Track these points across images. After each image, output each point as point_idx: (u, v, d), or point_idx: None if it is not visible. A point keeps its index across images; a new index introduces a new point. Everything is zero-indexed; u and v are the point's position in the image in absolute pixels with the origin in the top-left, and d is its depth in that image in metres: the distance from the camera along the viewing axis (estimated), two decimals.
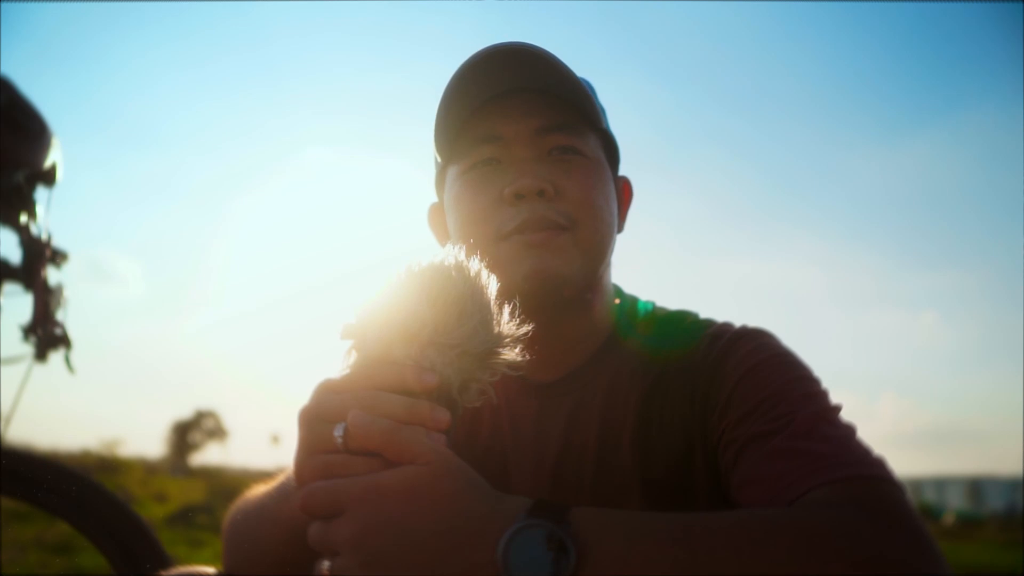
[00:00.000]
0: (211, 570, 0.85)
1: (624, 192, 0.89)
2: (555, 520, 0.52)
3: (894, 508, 0.59)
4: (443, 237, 0.88)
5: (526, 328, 0.61)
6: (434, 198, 0.90)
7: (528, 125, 0.78)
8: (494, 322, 0.60)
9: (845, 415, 0.71)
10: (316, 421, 0.58)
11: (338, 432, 0.56)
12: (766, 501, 0.66)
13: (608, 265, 0.84)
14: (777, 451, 0.67)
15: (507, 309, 0.62)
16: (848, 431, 0.69)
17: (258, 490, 0.85)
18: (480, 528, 0.52)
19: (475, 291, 0.60)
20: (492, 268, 0.77)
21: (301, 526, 0.67)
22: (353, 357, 0.61)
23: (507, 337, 0.61)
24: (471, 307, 0.59)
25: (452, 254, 0.61)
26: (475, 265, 0.62)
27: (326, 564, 0.56)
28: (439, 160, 0.85)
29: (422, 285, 0.58)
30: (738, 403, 0.72)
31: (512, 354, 0.61)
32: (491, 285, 0.62)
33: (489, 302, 0.61)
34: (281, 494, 0.74)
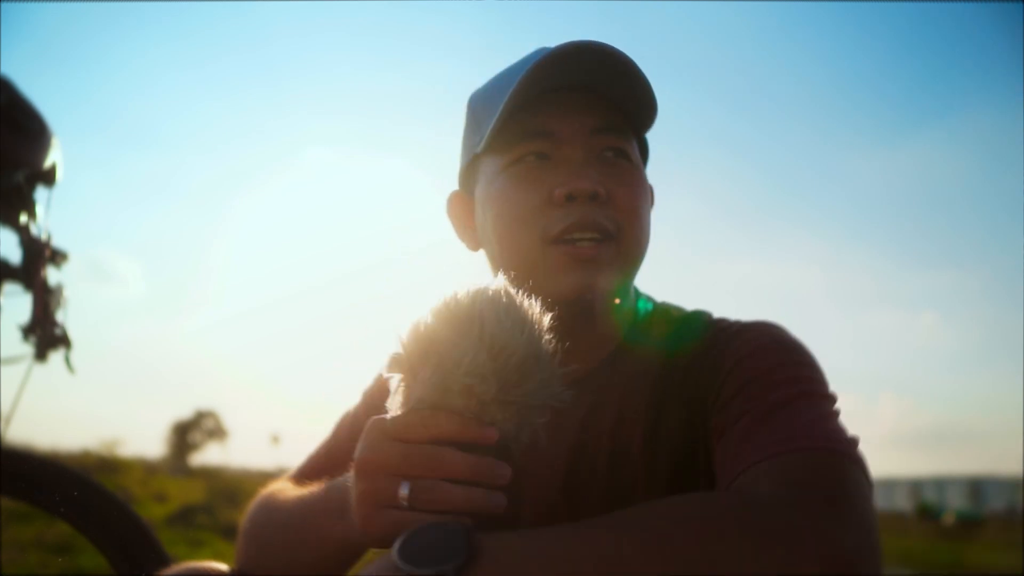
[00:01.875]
0: (222, 567, 0.84)
1: (651, 199, 0.88)
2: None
3: (828, 483, 0.58)
4: (463, 229, 0.87)
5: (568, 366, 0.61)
6: (453, 187, 0.88)
7: (583, 124, 0.77)
8: (553, 375, 0.60)
9: (837, 402, 0.70)
10: (378, 473, 0.58)
11: (404, 491, 0.57)
12: (724, 483, 0.65)
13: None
14: (741, 432, 0.66)
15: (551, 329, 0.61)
16: (824, 412, 0.66)
17: (287, 493, 0.83)
18: None
19: (538, 346, 0.59)
20: (535, 271, 0.75)
21: (352, 547, 0.69)
22: (401, 394, 0.61)
23: (562, 384, 0.61)
24: (533, 365, 0.58)
25: (507, 289, 0.60)
26: (531, 304, 0.61)
27: None
28: (472, 149, 0.82)
29: (483, 335, 0.57)
30: (726, 391, 0.71)
31: (564, 394, 0.61)
32: (545, 322, 0.61)
33: (548, 354, 0.60)
34: (330, 510, 0.72)
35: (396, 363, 0.60)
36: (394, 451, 0.58)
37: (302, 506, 0.78)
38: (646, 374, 0.79)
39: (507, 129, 0.77)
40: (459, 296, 0.59)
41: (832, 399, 0.70)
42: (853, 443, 0.64)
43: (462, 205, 0.87)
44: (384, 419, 0.60)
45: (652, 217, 0.82)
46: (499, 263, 0.80)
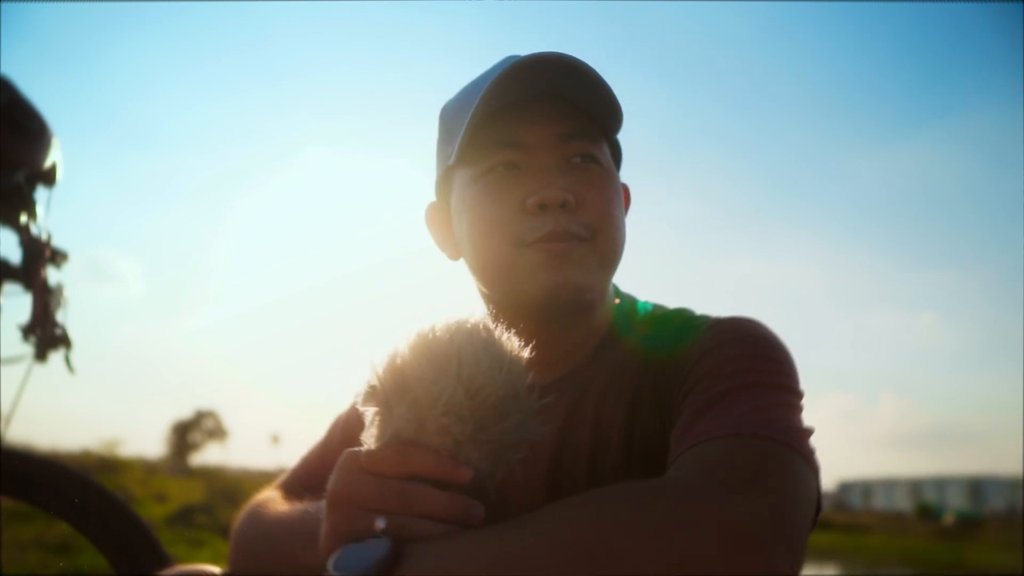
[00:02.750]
0: (216, 569, 0.85)
1: (624, 199, 0.89)
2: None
3: (745, 465, 0.57)
4: (443, 239, 0.88)
5: (531, 348, 0.61)
6: (432, 198, 0.89)
7: (551, 131, 0.77)
8: (530, 413, 0.60)
9: (796, 395, 0.69)
10: (350, 507, 0.58)
11: (381, 525, 0.56)
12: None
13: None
14: (684, 421, 0.66)
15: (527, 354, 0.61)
16: (771, 402, 0.65)
17: (274, 506, 0.84)
18: None
19: (516, 384, 0.59)
20: (511, 274, 0.76)
21: None
22: (376, 427, 0.60)
23: (540, 421, 0.60)
24: (511, 405, 0.58)
25: (485, 324, 0.60)
26: (509, 339, 0.60)
27: None
28: (446, 161, 0.84)
29: (460, 373, 0.56)
30: (687, 385, 0.71)
31: (541, 429, 0.61)
32: (522, 357, 0.61)
33: (526, 391, 0.59)
34: (304, 537, 0.72)
35: (371, 396, 0.59)
36: (367, 485, 0.58)
37: (282, 526, 0.78)
38: (624, 372, 0.80)
39: (477, 140, 0.78)
40: (436, 330, 0.59)
41: (790, 391, 0.68)
42: (795, 431, 0.62)
43: (440, 216, 0.87)
44: (358, 452, 0.60)
45: (627, 218, 0.83)
46: (476, 270, 0.81)
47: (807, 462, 0.61)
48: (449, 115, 0.84)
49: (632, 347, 0.81)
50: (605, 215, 0.77)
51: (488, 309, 0.83)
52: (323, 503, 0.63)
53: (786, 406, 0.66)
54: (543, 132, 0.77)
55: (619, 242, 0.80)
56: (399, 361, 0.58)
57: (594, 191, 0.77)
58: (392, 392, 0.58)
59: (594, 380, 0.81)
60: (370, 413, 0.60)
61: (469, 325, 0.60)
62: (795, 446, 0.60)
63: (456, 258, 0.86)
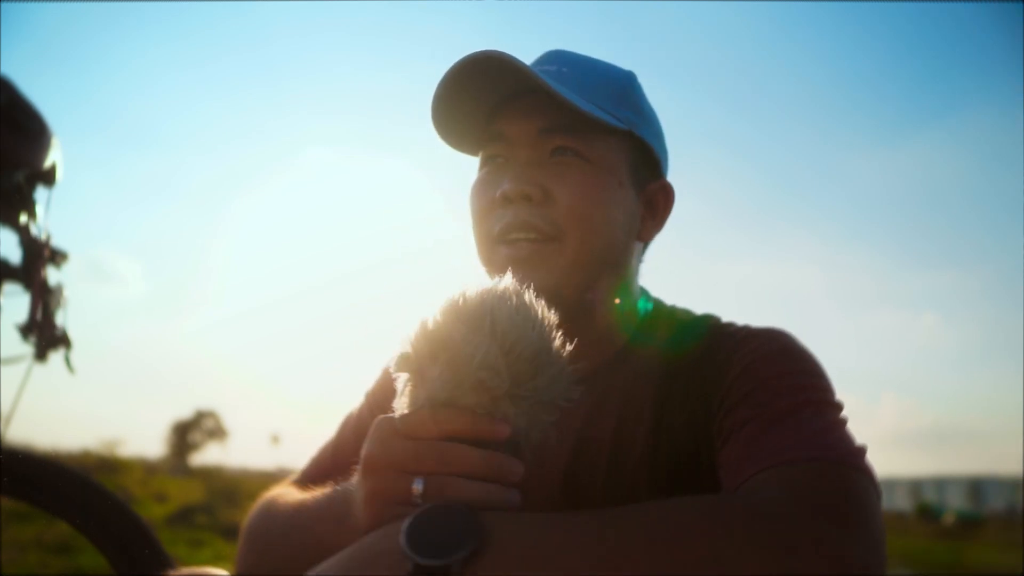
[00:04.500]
0: (221, 572, 0.84)
1: (657, 198, 0.86)
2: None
3: (836, 494, 0.58)
4: None
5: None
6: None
7: (532, 125, 0.77)
8: (562, 371, 0.60)
9: (844, 411, 0.70)
10: (388, 471, 0.57)
11: (418, 487, 0.55)
12: (728, 488, 0.66)
13: (624, 270, 0.82)
14: (746, 437, 0.66)
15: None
16: (831, 421, 0.66)
17: (289, 498, 0.83)
18: None
19: (548, 341, 0.59)
20: (491, 268, 0.78)
21: None
22: (408, 395, 0.60)
23: (575, 379, 0.61)
24: (546, 359, 0.58)
25: (515, 287, 0.60)
26: (538, 301, 0.61)
27: None
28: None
29: (494, 330, 0.56)
30: (732, 396, 0.71)
31: (574, 390, 0.61)
32: (553, 319, 0.61)
33: (558, 350, 0.60)
34: (332, 517, 0.71)
35: (404, 362, 0.59)
36: (404, 448, 0.57)
37: (303, 512, 0.77)
38: (650, 375, 0.79)
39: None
40: (467, 294, 0.59)
41: (838, 408, 0.70)
42: (861, 452, 0.64)
43: None
44: (392, 417, 0.59)
45: (614, 215, 0.78)
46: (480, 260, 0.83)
47: (876, 488, 0.62)
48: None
49: (657, 351, 0.81)
50: (576, 211, 0.75)
51: None
52: (353, 480, 0.62)
53: (844, 425, 0.68)
54: (524, 126, 0.78)
55: (593, 242, 0.77)
56: (431, 325, 0.58)
57: (566, 185, 0.76)
58: (425, 356, 0.58)
59: (616, 380, 0.80)
60: (401, 381, 0.60)
61: (499, 288, 0.60)
62: (868, 472, 0.62)
63: None
